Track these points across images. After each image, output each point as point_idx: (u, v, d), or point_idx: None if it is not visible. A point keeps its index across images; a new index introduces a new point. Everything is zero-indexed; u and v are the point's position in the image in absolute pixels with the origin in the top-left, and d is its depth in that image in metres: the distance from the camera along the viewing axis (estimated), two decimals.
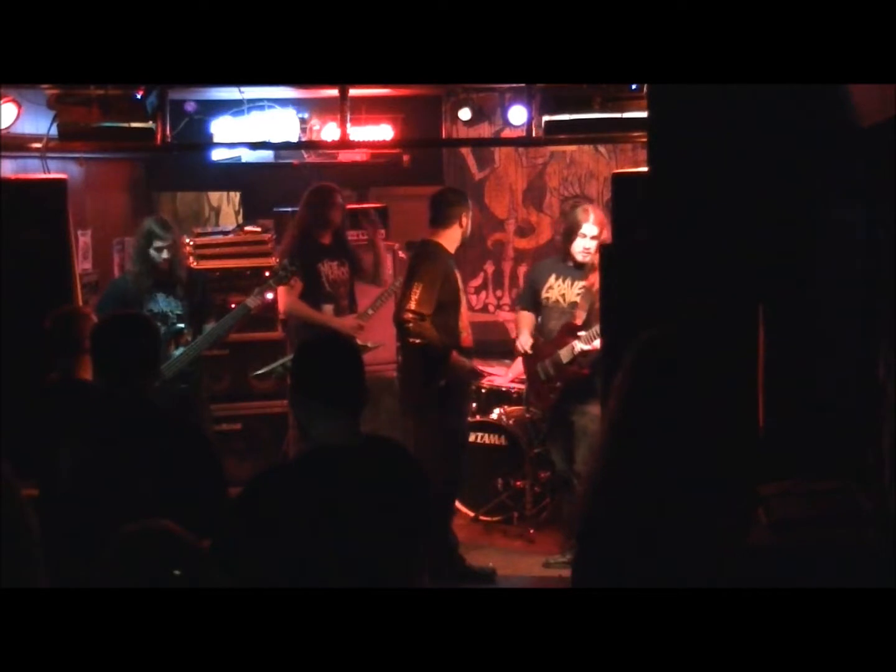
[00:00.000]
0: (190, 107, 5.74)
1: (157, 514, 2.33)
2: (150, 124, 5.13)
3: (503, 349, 7.27)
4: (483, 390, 6.84)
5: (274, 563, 2.74)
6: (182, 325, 5.56)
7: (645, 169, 4.30)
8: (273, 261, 6.68)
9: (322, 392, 2.85)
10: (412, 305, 5.55)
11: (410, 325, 5.57)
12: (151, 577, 2.14)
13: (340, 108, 5.42)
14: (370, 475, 2.83)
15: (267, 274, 6.59)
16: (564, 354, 5.76)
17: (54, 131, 5.06)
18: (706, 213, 4.04)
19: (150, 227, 5.56)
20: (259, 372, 6.14)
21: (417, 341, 5.61)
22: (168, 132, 5.24)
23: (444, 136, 6.44)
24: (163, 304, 5.57)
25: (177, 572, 2.16)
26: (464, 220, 5.74)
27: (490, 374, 6.98)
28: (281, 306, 6.18)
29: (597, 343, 5.56)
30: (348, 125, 5.46)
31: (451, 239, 5.74)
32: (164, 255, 5.49)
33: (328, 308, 6.11)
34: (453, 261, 5.77)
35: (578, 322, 5.74)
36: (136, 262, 5.57)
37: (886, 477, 3.53)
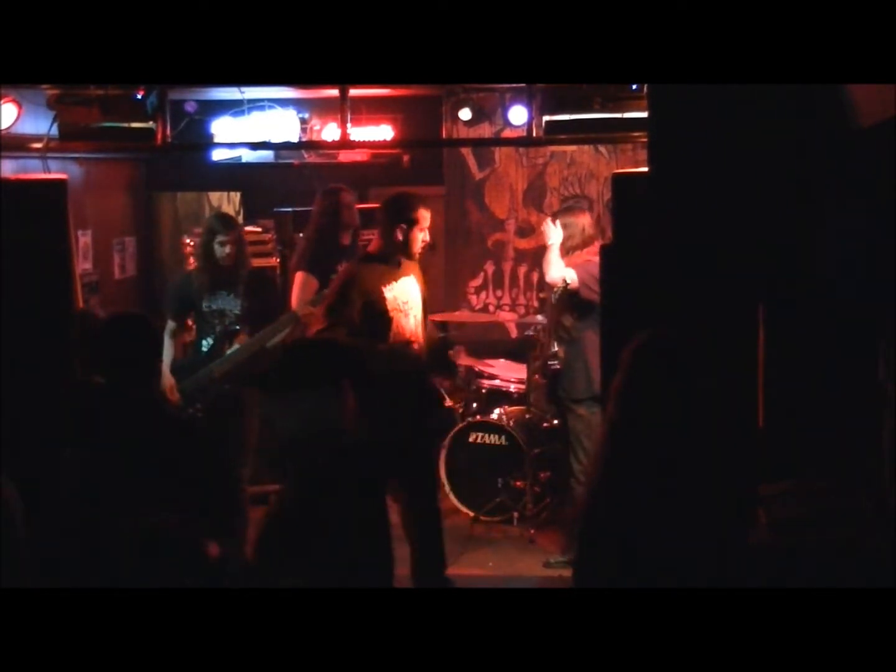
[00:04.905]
0: (190, 107, 5.71)
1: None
2: (150, 124, 5.12)
3: (503, 349, 7.27)
4: (483, 390, 6.83)
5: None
6: (238, 326, 5.52)
7: (645, 169, 4.30)
8: (274, 261, 6.67)
9: (276, 385, 2.85)
10: None
11: None
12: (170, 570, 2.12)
13: (340, 109, 5.41)
14: (336, 467, 2.80)
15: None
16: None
17: (54, 131, 5.05)
18: (706, 213, 4.04)
19: (212, 222, 5.60)
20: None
21: None
22: (168, 132, 5.22)
23: (444, 136, 6.42)
24: (222, 301, 5.54)
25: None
26: None
27: (491, 371, 6.96)
28: (294, 304, 6.13)
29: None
30: (348, 125, 5.44)
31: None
32: (227, 249, 5.48)
33: None
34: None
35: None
36: (199, 258, 5.59)
37: (886, 477, 3.54)
